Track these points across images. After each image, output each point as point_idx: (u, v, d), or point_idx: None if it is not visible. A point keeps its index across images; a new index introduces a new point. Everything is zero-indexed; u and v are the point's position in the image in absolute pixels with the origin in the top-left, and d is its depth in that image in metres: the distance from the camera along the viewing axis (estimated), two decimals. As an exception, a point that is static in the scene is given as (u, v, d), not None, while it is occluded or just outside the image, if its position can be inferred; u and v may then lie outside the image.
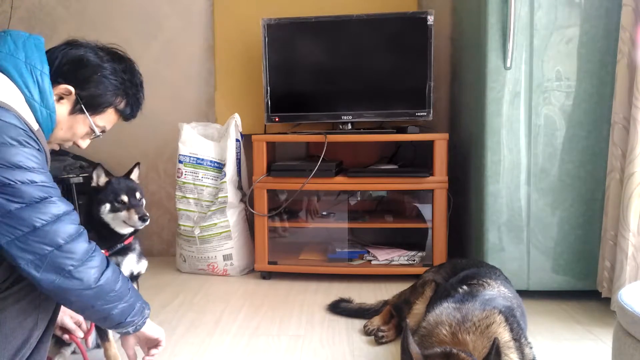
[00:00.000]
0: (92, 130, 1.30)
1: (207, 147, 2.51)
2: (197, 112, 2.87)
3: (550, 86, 1.91)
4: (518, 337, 1.22)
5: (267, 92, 2.48)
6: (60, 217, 1.09)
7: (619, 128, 1.77)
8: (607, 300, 1.85)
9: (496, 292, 1.43)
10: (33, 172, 1.08)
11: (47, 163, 1.16)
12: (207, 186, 2.50)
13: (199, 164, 2.50)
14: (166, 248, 2.97)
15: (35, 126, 1.13)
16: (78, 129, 1.29)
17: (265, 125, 2.61)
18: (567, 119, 1.92)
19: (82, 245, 1.12)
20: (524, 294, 1.74)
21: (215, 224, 2.46)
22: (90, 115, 1.27)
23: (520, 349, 1.20)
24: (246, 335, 1.79)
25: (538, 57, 1.90)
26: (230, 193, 2.45)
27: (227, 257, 2.50)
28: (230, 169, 2.46)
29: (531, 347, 1.26)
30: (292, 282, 2.38)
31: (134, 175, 1.65)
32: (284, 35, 2.47)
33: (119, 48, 1.36)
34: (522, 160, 1.95)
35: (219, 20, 2.76)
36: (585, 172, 1.93)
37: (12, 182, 1.04)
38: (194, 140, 2.51)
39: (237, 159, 2.50)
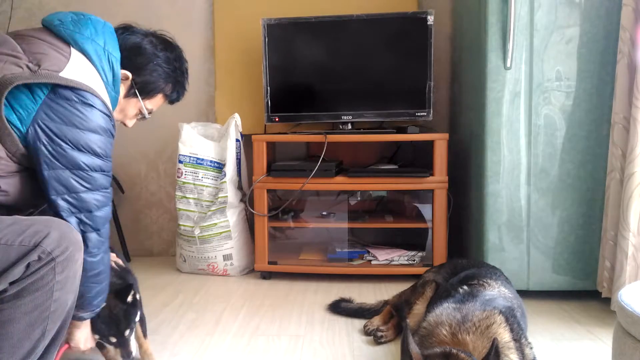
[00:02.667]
0: (141, 113, 1.41)
1: (207, 147, 2.51)
2: (197, 112, 2.87)
3: (550, 86, 1.91)
4: (518, 337, 1.22)
5: (267, 92, 2.48)
6: (107, 205, 1.26)
7: (619, 128, 1.77)
8: (607, 300, 1.85)
9: (496, 292, 1.43)
10: (104, 160, 1.23)
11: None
12: (207, 186, 2.50)
13: (199, 164, 2.50)
14: (166, 248, 2.97)
15: (111, 108, 1.25)
16: (129, 111, 1.40)
17: (265, 125, 2.61)
18: (567, 119, 1.92)
19: (107, 229, 1.30)
20: (524, 294, 1.74)
21: (215, 224, 2.46)
22: (141, 99, 1.38)
23: (520, 349, 1.20)
24: (246, 335, 1.79)
25: (538, 57, 1.90)
26: (230, 193, 2.45)
27: (227, 257, 2.50)
28: (230, 169, 2.46)
29: (531, 348, 1.26)
30: (292, 282, 2.38)
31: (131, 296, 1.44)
32: (284, 35, 2.47)
33: (168, 35, 1.45)
34: (522, 160, 1.95)
35: (219, 20, 2.76)
36: (585, 172, 1.93)
37: (87, 168, 1.19)
38: (194, 140, 2.51)
39: (237, 159, 2.50)
